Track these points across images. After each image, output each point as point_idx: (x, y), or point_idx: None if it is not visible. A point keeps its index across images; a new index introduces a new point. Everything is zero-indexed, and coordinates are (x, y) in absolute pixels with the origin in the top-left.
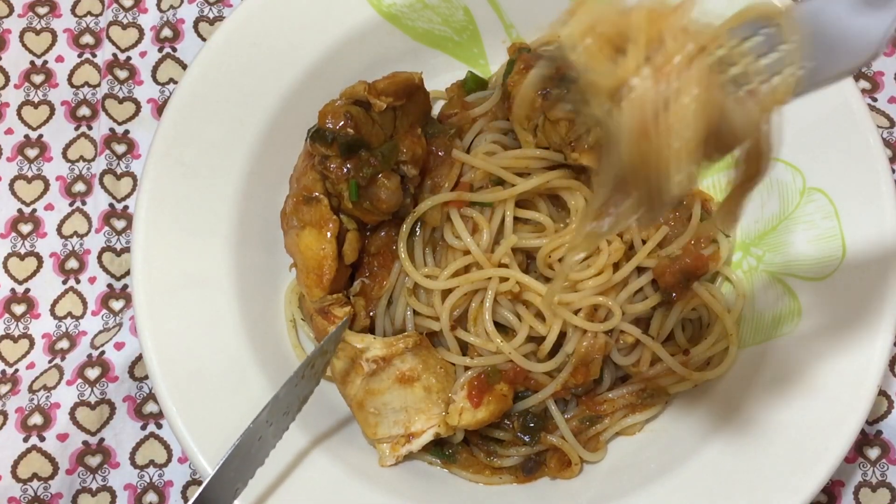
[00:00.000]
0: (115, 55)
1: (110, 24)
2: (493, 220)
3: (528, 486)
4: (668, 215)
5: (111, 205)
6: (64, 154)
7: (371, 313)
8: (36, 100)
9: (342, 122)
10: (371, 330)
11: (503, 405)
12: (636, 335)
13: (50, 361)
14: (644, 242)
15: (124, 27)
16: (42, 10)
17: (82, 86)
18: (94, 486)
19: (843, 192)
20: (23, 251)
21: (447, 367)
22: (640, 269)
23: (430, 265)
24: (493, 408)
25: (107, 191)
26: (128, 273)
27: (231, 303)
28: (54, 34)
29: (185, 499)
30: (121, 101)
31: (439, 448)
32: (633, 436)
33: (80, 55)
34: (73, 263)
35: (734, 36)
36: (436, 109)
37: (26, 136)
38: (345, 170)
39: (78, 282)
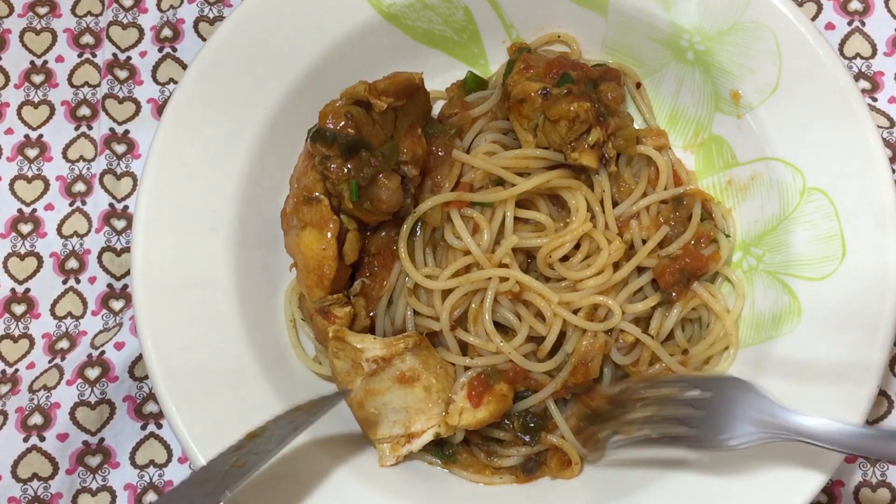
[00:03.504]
0: (115, 55)
1: (110, 24)
2: (494, 220)
3: (528, 486)
4: (669, 215)
5: (111, 205)
6: (64, 154)
7: (371, 313)
8: (36, 100)
9: (343, 123)
10: (371, 330)
11: (503, 405)
12: (636, 334)
13: (50, 361)
14: (644, 242)
15: (124, 27)
16: (42, 10)
17: (82, 86)
18: (94, 486)
19: (843, 192)
20: (23, 251)
21: (447, 367)
22: (640, 269)
23: (430, 265)
24: (494, 408)
25: (107, 191)
26: (128, 273)
27: (231, 303)
28: (54, 34)
29: None
30: (121, 101)
31: (439, 448)
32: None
33: (80, 55)
34: (73, 263)
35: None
36: (436, 109)
37: (26, 136)
38: (345, 170)
39: (78, 282)
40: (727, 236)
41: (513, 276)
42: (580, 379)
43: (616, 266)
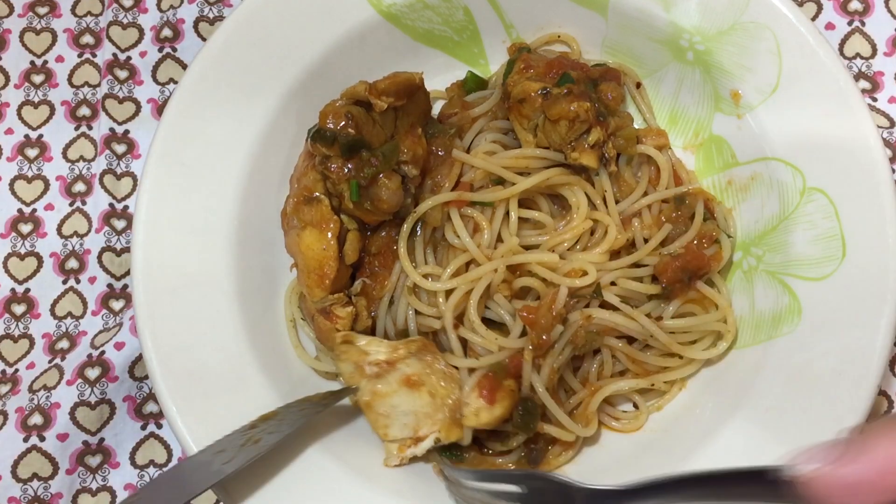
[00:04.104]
0: (115, 55)
1: (110, 24)
2: (494, 219)
3: None
4: (671, 214)
5: (111, 205)
6: (64, 154)
7: (373, 313)
8: (36, 100)
9: (343, 123)
10: (373, 330)
11: (514, 400)
12: (614, 303)
13: (50, 361)
14: (646, 241)
15: (124, 27)
16: (42, 10)
17: (82, 86)
18: (94, 486)
19: (843, 192)
20: (23, 251)
21: (452, 372)
22: (641, 268)
23: (430, 264)
24: (507, 403)
25: (107, 191)
26: (128, 273)
27: (231, 303)
28: (54, 34)
29: None
30: (121, 101)
31: (447, 450)
32: (632, 434)
33: (80, 55)
34: (73, 263)
35: None
36: (436, 109)
37: (26, 136)
38: (346, 170)
39: (78, 282)
40: (730, 237)
41: (500, 264)
42: (535, 329)
43: (617, 257)
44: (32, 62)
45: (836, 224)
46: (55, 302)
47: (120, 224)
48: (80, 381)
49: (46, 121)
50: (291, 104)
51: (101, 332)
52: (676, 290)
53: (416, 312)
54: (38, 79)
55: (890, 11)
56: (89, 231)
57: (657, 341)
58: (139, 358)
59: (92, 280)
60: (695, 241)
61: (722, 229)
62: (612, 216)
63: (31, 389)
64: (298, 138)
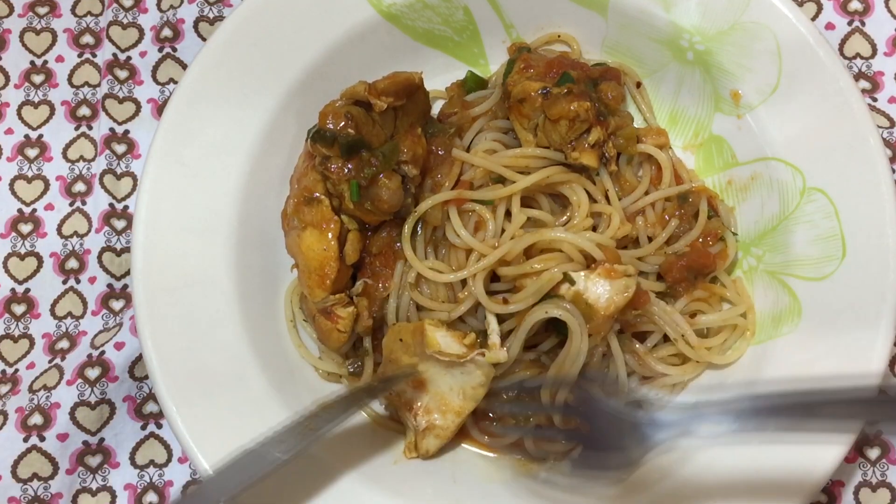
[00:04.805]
0: (115, 55)
1: (110, 24)
2: (496, 216)
3: (531, 484)
4: (674, 212)
5: (111, 205)
6: (64, 154)
7: (375, 314)
8: (36, 100)
9: (343, 123)
10: (376, 330)
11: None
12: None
13: (50, 361)
14: (650, 239)
15: (124, 27)
16: (42, 10)
17: (82, 86)
18: (94, 486)
19: (843, 192)
20: (23, 251)
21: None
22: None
23: (431, 261)
24: None
25: (107, 191)
26: (128, 273)
27: (231, 303)
28: (54, 34)
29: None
30: (121, 101)
31: None
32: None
33: (80, 55)
34: (73, 263)
35: None
36: (435, 109)
37: (26, 136)
38: (346, 170)
39: (78, 282)
40: (734, 234)
41: (513, 246)
42: None
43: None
44: (32, 62)
45: (836, 224)
46: (55, 302)
47: (120, 224)
48: (80, 381)
49: (46, 121)
50: (291, 104)
51: (101, 332)
52: (681, 288)
53: (418, 308)
54: (38, 79)
55: (890, 11)
56: (89, 231)
57: (687, 346)
58: (139, 358)
59: (92, 280)
60: (700, 239)
61: (727, 226)
62: (614, 208)
63: (31, 389)
64: (298, 138)
